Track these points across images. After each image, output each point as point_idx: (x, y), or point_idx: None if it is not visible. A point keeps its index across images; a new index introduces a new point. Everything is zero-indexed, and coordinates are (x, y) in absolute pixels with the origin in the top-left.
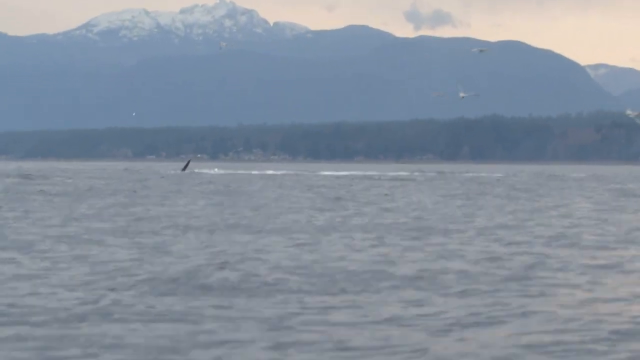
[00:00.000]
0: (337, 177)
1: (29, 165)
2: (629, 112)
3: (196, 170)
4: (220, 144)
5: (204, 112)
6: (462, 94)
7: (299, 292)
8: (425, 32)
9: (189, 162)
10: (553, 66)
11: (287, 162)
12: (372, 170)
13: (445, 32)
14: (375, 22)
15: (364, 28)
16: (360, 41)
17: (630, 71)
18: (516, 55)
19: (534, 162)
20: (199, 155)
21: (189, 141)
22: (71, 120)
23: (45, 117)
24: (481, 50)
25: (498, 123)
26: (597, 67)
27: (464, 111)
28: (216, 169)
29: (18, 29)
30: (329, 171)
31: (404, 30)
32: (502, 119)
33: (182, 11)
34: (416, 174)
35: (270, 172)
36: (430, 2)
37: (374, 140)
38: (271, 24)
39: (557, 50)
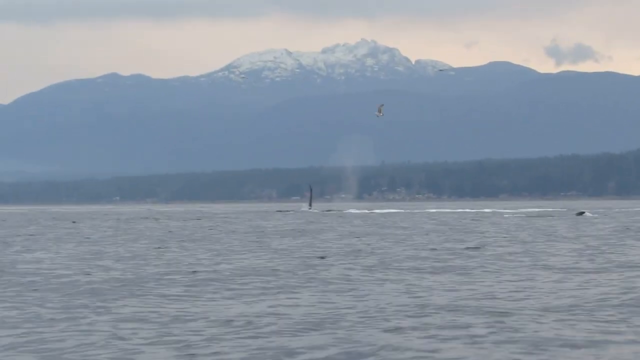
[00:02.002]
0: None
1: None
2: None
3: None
4: (364, 183)
5: (344, 150)
6: None
7: None
8: (567, 67)
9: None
10: None
11: (432, 200)
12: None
13: (587, 67)
14: (516, 58)
15: (506, 64)
16: (503, 77)
17: None
18: None
19: None
20: (342, 195)
21: (332, 181)
22: (215, 162)
23: (189, 159)
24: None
25: None
26: None
27: (608, 146)
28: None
29: (161, 71)
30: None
31: (545, 66)
32: None
33: (324, 51)
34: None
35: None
36: (571, 36)
37: (517, 178)
38: (413, 62)
39: None
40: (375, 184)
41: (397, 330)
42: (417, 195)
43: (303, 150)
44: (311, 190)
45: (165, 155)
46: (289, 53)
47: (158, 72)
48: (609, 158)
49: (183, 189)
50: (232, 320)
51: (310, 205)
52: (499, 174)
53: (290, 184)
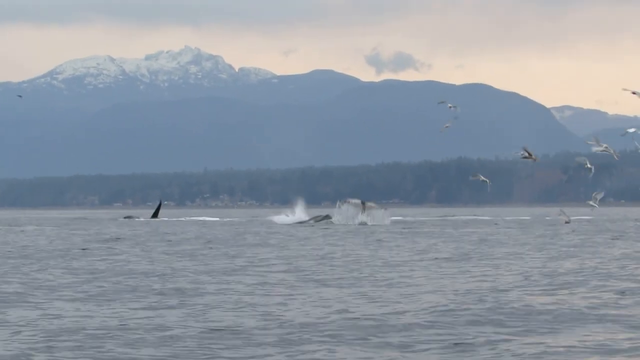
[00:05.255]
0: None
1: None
2: (594, 148)
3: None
4: (186, 190)
5: (169, 158)
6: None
7: None
8: (388, 75)
9: (159, 206)
10: (518, 108)
11: (255, 207)
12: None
13: (407, 75)
14: (338, 66)
15: (329, 72)
16: (326, 85)
17: (595, 113)
18: (481, 97)
19: (500, 204)
20: (165, 202)
21: (155, 187)
22: (36, 168)
23: (9, 165)
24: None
25: (464, 166)
26: (562, 109)
27: (429, 154)
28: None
29: None
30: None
31: (366, 74)
32: (468, 161)
33: (148, 57)
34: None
35: None
36: (391, 45)
37: (340, 185)
38: (236, 70)
39: (522, 92)
40: (197, 190)
41: None
42: (239, 202)
43: (125, 157)
44: (160, 203)
45: None
46: (112, 59)
47: None
48: (430, 166)
49: (3, 195)
50: None
51: (156, 215)
52: (322, 181)
53: (112, 190)
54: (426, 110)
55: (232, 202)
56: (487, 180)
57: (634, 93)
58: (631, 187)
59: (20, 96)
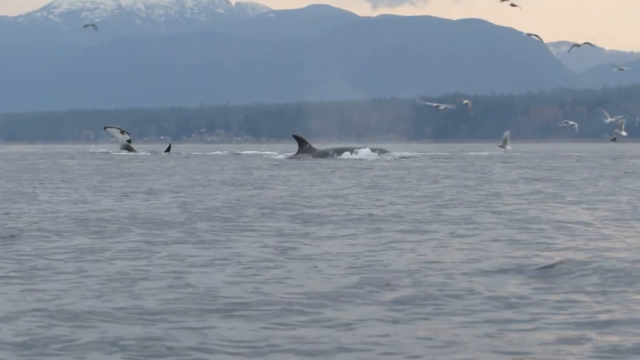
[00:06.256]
0: None
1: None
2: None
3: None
4: (183, 125)
5: (165, 92)
6: (609, 120)
7: None
8: (384, 10)
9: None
10: (515, 44)
11: (251, 142)
12: None
13: (404, 10)
14: (334, 1)
15: (325, 7)
16: (323, 20)
17: (591, 48)
18: (477, 33)
19: (496, 140)
20: (162, 137)
21: (151, 122)
22: (32, 103)
23: (6, 99)
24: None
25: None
26: (558, 44)
27: (426, 90)
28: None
29: None
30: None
31: (362, 9)
32: (465, 97)
33: None
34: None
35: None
36: None
37: (335, 120)
38: (233, 4)
39: (519, 27)
40: (194, 125)
41: None
42: (235, 138)
43: (122, 92)
44: (170, 147)
45: None
46: None
47: None
48: (427, 101)
49: (0, 129)
50: None
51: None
52: (318, 116)
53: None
54: (422, 45)
55: (228, 137)
56: (441, 106)
57: (512, 5)
58: (627, 124)
59: (91, 26)
